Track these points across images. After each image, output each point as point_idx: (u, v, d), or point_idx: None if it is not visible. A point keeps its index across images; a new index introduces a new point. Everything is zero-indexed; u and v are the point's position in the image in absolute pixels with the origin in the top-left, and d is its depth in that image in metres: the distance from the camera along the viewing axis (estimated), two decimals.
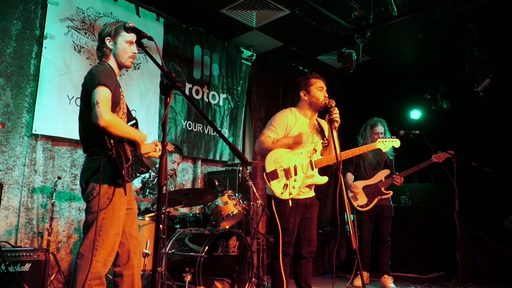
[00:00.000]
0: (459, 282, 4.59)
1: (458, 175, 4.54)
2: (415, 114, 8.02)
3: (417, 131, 4.87)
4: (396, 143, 3.80)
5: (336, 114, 3.17)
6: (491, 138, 6.84)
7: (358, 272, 4.99)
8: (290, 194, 3.21)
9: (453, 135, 7.05)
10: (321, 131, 3.46)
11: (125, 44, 2.71)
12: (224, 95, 6.39)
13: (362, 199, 4.94)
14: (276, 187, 3.20)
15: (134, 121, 2.78)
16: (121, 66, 2.77)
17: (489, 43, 5.79)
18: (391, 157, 5.14)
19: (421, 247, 6.18)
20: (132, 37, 2.68)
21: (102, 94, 2.47)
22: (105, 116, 2.43)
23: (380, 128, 5.00)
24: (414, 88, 7.90)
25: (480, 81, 5.97)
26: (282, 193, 3.19)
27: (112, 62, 2.73)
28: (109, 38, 2.69)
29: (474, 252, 5.65)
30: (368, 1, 5.17)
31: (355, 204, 4.96)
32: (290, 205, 3.19)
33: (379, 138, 4.87)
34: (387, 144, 3.77)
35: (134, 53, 2.76)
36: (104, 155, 2.46)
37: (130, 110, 2.95)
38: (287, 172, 3.24)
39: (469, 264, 5.54)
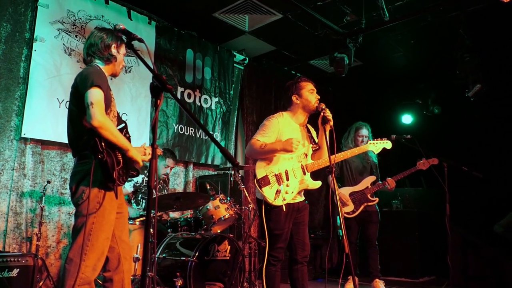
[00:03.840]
0: (450, 286, 4.60)
1: (449, 180, 4.56)
2: (407, 118, 8.06)
3: (409, 136, 4.89)
4: (388, 144, 3.78)
5: (328, 113, 3.18)
6: (482, 143, 6.88)
7: (349, 277, 5.00)
8: (284, 199, 3.19)
9: (444, 139, 7.10)
10: (310, 137, 3.45)
11: (122, 55, 2.83)
12: (216, 99, 6.37)
13: (348, 206, 4.92)
14: (269, 193, 3.17)
15: (123, 124, 2.77)
16: (113, 74, 2.84)
17: (480, 49, 5.83)
18: (375, 160, 5.14)
19: (413, 251, 6.19)
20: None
21: (96, 96, 2.46)
22: (99, 117, 2.42)
23: (364, 131, 5.00)
24: (406, 93, 7.95)
25: (470, 87, 6.00)
26: (275, 199, 3.17)
27: (107, 68, 2.75)
28: (115, 46, 2.75)
29: (465, 257, 5.67)
30: (360, 6, 5.19)
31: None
32: (285, 210, 3.17)
33: (363, 141, 4.89)
34: (379, 146, 3.76)
35: (124, 65, 2.93)
36: (95, 158, 2.43)
37: (121, 113, 2.95)
38: (278, 178, 3.21)
39: (461, 268, 5.56)
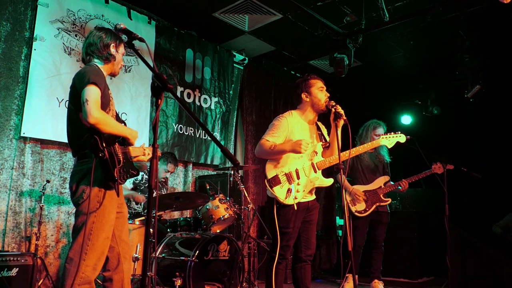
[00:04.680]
0: (449, 287, 4.60)
1: (448, 180, 4.56)
2: (406, 119, 8.07)
3: (408, 136, 4.87)
4: (401, 138, 3.65)
5: (340, 108, 3.19)
6: (481, 144, 6.89)
7: (347, 276, 4.98)
8: (296, 198, 3.17)
9: (443, 140, 7.10)
10: (320, 134, 3.44)
11: (121, 55, 2.84)
12: (216, 99, 6.37)
13: (360, 205, 4.86)
14: (280, 192, 3.16)
15: (122, 124, 2.77)
16: (112, 73, 2.85)
17: (479, 50, 5.84)
18: (388, 159, 5.11)
19: (412, 251, 6.19)
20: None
21: (92, 92, 2.46)
22: (94, 113, 2.42)
23: (380, 131, 4.91)
24: (405, 94, 7.96)
25: (470, 87, 6.02)
26: (286, 198, 3.16)
27: (106, 67, 2.76)
28: (114, 45, 2.76)
29: (464, 257, 5.66)
30: (360, 7, 5.20)
31: (353, 209, 4.86)
32: (296, 208, 3.16)
33: None
34: (392, 140, 3.64)
35: (122, 64, 2.94)
36: (96, 157, 2.43)
37: (121, 113, 2.95)
38: (289, 177, 3.20)
39: (459, 269, 5.55)
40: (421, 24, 5.57)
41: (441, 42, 6.07)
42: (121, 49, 2.83)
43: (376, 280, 4.89)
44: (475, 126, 7.07)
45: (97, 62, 2.72)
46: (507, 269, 5.26)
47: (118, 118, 2.86)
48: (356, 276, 5.11)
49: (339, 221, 7.80)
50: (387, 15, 5.05)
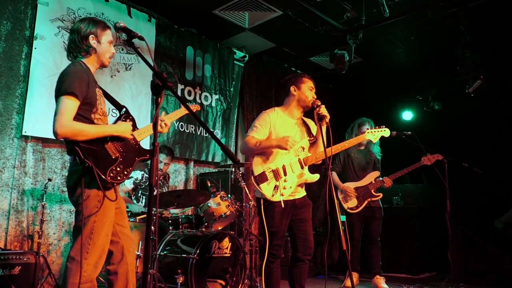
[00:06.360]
0: (451, 282, 4.61)
1: (449, 176, 4.57)
2: (407, 115, 8.06)
3: (409, 132, 4.88)
4: (386, 132, 3.67)
5: (323, 110, 3.17)
6: (482, 139, 6.88)
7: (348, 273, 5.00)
8: (282, 195, 3.18)
9: (444, 136, 7.09)
10: (307, 130, 3.45)
11: (107, 43, 2.68)
12: (217, 96, 6.37)
13: (352, 201, 4.90)
14: (267, 189, 3.17)
15: (124, 109, 2.72)
16: (100, 65, 2.72)
17: (480, 45, 5.82)
18: (379, 156, 5.13)
19: (413, 247, 6.20)
20: (113, 36, 2.70)
21: (64, 105, 2.39)
22: (59, 128, 2.34)
23: (367, 127, 4.94)
24: (406, 90, 7.94)
25: (471, 83, 6.01)
26: (273, 195, 3.16)
27: (91, 60, 2.65)
28: (93, 36, 2.61)
29: (466, 253, 5.68)
30: (360, 3, 5.18)
31: (345, 206, 4.92)
32: (283, 206, 3.17)
33: None
34: (377, 134, 3.66)
35: (113, 52, 2.74)
36: (82, 166, 2.40)
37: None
38: (276, 173, 3.21)
39: (461, 264, 5.57)
40: (421, 19, 5.55)
41: (442, 38, 6.06)
42: (106, 37, 2.66)
43: (377, 276, 4.90)
44: (476, 122, 7.06)
45: (80, 58, 2.63)
46: (509, 266, 5.27)
47: (118, 105, 2.77)
48: (357, 274, 5.14)
49: (341, 217, 7.82)
50: (387, 11, 5.04)
